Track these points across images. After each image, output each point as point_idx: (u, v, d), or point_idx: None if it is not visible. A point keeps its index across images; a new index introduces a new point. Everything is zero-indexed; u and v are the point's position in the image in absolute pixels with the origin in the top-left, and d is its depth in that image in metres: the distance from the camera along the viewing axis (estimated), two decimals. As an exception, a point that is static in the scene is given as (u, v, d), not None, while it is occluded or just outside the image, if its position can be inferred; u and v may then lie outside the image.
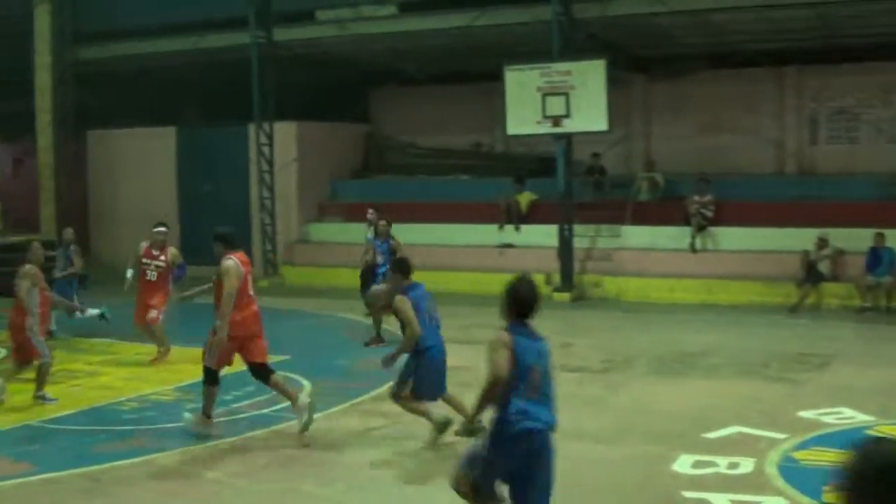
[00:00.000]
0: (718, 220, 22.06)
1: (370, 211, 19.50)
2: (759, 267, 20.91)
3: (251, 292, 11.45)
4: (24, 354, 12.82)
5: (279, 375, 11.51)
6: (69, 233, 19.04)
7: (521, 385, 7.00)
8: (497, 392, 7.00)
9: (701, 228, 21.83)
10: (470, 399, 12.61)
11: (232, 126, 26.53)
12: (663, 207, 23.10)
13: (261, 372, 11.33)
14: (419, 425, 11.47)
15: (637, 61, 25.16)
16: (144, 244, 15.99)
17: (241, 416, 12.10)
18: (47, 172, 27.28)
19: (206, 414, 11.20)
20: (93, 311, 17.02)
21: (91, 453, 10.66)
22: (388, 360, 10.92)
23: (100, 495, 9.23)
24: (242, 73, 24.61)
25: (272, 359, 14.98)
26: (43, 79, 27.17)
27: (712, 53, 24.22)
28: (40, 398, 12.78)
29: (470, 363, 14.81)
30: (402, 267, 11.12)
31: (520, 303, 7.38)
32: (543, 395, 7.14)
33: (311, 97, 26.92)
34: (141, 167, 27.81)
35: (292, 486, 9.42)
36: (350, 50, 25.37)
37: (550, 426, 7.14)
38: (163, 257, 16.03)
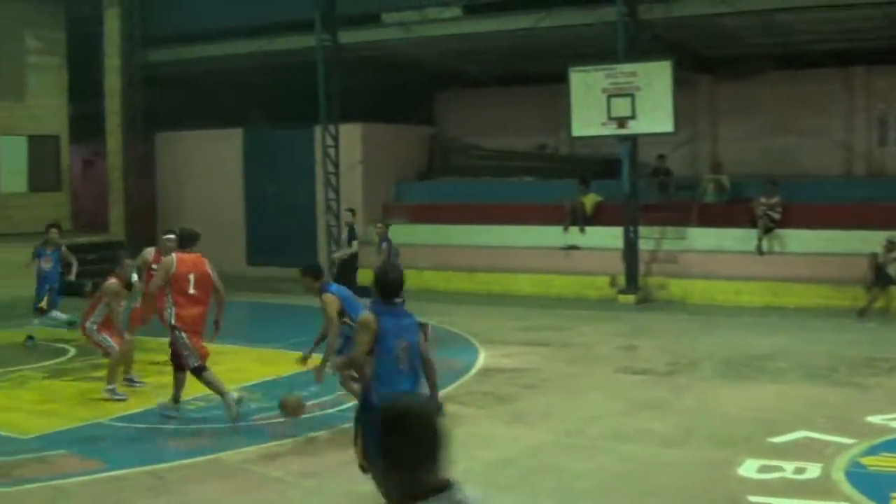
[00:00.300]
0: (785, 223, 21.83)
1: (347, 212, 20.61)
2: (826, 270, 20.65)
3: (191, 291, 11.82)
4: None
5: (210, 372, 11.99)
6: (54, 233, 18.19)
7: (387, 358, 7.81)
8: (359, 366, 7.97)
9: (768, 231, 21.62)
10: (530, 405, 12.65)
11: (298, 128, 26.69)
12: (730, 209, 22.91)
13: (195, 370, 11.92)
14: (482, 427, 11.50)
15: (703, 62, 24.97)
16: (152, 250, 15.77)
17: (305, 415, 12.16)
18: (116, 174, 27.65)
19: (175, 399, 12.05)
20: (61, 317, 17.28)
21: (157, 451, 10.79)
22: (318, 372, 10.65)
23: (165, 493, 9.33)
24: (308, 75, 24.75)
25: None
26: (112, 81, 27.55)
27: (779, 54, 23.98)
28: (108, 392, 13.04)
29: (537, 365, 14.88)
30: (314, 272, 11.12)
31: (387, 286, 8.11)
32: (409, 367, 7.90)
33: (376, 99, 27.01)
34: (208, 169, 28.07)
35: (355, 487, 9.43)
36: (415, 52, 25.43)
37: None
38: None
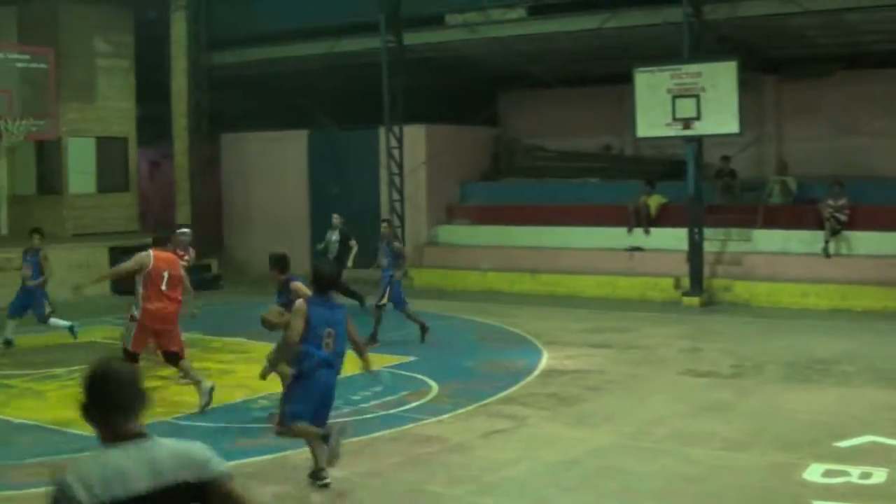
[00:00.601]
0: (852, 225, 21.58)
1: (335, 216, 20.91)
2: (894, 272, 20.39)
3: (163, 288, 12.73)
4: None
5: (187, 362, 13.08)
6: (37, 239, 17.95)
7: (316, 342, 9.11)
8: (292, 349, 9.19)
9: (835, 233, 21.38)
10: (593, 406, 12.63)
11: (362, 129, 26.82)
12: (796, 211, 22.70)
13: (171, 358, 13.04)
14: (545, 428, 11.51)
15: (768, 62, 24.77)
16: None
17: (370, 415, 12.24)
18: (183, 175, 27.95)
19: None
20: (61, 323, 17.48)
21: (223, 450, 10.79)
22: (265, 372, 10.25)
23: (232, 491, 9.40)
24: (373, 76, 24.89)
25: (401, 360, 15.26)
26: (179, 84, 27.86)
27: (845, 54, 23.75)
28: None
29: (601, 367, 14.85)
30: (281, 263, 11.49)
31: (319, 279, 9.36)
32: (334, 352, 9.28)
33: (440, 100, 27.09)
34: (273, 170, 28.29)
35: (419, 486, 9.50)
36: (479, 53, 25.46)
37: (336, 374, 9.43)
38: (187, 257, 16.65)
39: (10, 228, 27.19)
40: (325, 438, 9.31)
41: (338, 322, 9.31)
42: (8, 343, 17.30)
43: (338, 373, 9.45)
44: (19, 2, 26.40)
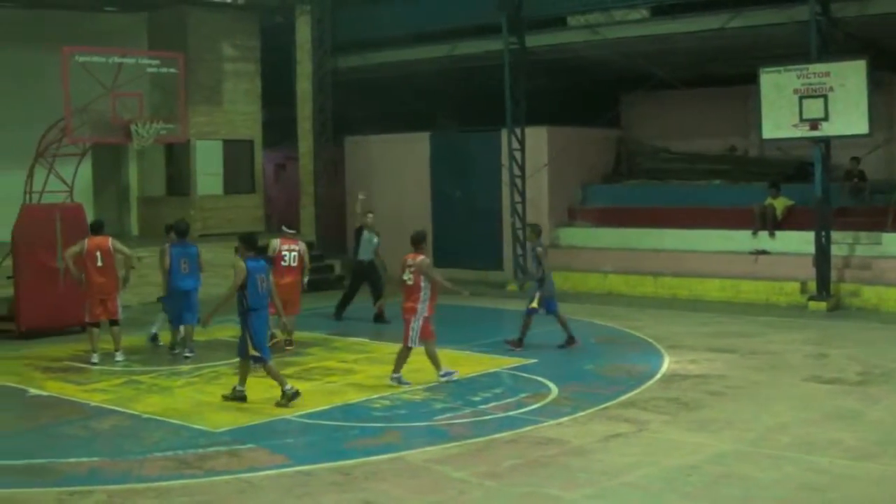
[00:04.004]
0: None
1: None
2: None
3: (99, 265, 16.10)
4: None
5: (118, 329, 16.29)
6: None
7: (253, 287, 12.91)
8: (234, 294, 12.99)
9: (969, 236, 20.78)
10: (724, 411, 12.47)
11: (484, 131, 26.87)
12: (929, 214, 22.10)
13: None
14: (665, 433, 11.39)
15: (900, 61, 24.18)
16: (279, 240, 17.56)
17: (489, 417, 12.27)
18: (307, 177, 28.31)
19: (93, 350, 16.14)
20: (153, 328, 17.85)
21: (343, 448, 11.02)
22: (206, 318, 13.72)
23: (350, 489, 9.52)
24: (494, 78, 24.92)
25: (521, 361, 15.27)
26: (304, 87, 28.24)
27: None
28: (395, 380, 13.97)
29: (723, 372, 14.65)
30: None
31: (252, 245, 13.35)
32: (264, 291, 13.12)
33: (562, 102, 27.00)
34: (396, 172, 28.49)
35: (537, 489, 9.48)
36: (601, 54, 25.30)
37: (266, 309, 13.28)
38: (296, 246, 17.50)
39: (139, 229, 27.89)
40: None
41: (264, 271, 13.28)
42: (154, 337, 17.75)
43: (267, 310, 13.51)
44: (150, 8, 27.05)
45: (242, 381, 13.21)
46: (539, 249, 16.92)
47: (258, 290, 12.97)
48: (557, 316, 16.86)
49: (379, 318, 19.69)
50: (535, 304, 16.54)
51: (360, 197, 21.36)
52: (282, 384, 12.92)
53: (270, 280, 13.39)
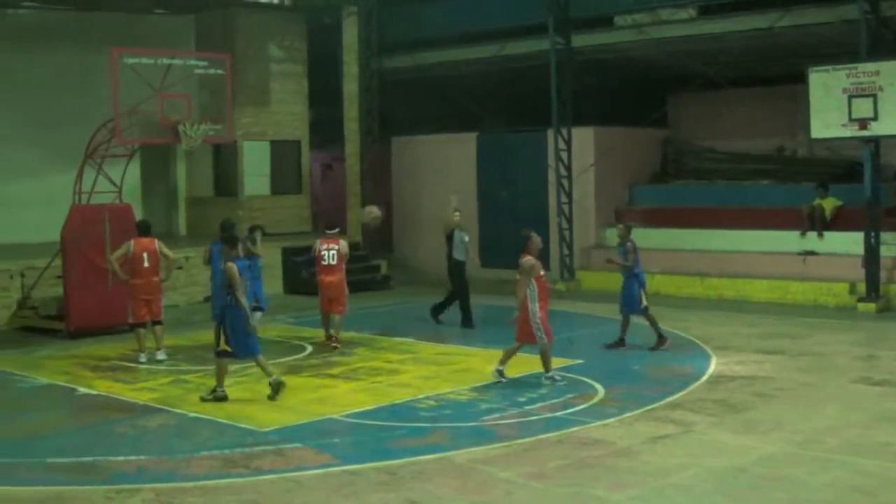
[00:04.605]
0: None
1: None
2: None
3: (145, 266, 16.41)
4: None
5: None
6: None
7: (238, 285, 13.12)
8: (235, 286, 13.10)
9: None
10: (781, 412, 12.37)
11: (530, 131, 26.83)
12: (981, 215, 21.84)
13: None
14: (712, 435, 11.33)
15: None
16: (318, 241, 17.87)
17: (535, 417, 12.26)
18: (354, 178, 28.40)
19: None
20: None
21: (389, 448, 11.05)
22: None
23: (396, 489, 9.54)
24: (541, 79, 24.87)
25: (568, 362, 15.23)
26: (350, 88, 28.33)
27: None
28: (549, 379, 14.04)
29: (771, 374, 14.55)
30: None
31: (234, 244, 13.60)
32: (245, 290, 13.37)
33: (608, 102, 26.92)
34: (442, 172, 28.50)
35: (583, 490, 9.46)
36: (648, 54, 25.19)
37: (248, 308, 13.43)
38: (335, 245, 17.63)
39: (187, 229, 28.10)
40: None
41: (247, 270, 13.68)
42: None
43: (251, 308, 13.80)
44: (198, 10, 27.25)
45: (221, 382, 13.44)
46: (629, 244, 16.91)
47: (243, 289, 13.32)
48: (626, 318, 16.89)
49: (467, 322, 19.39)
50: (645, 303, 16.61)
51: (453, 201, 21.00)
52: (219, 384, 13.28)
53: (245, 278, 13.58)
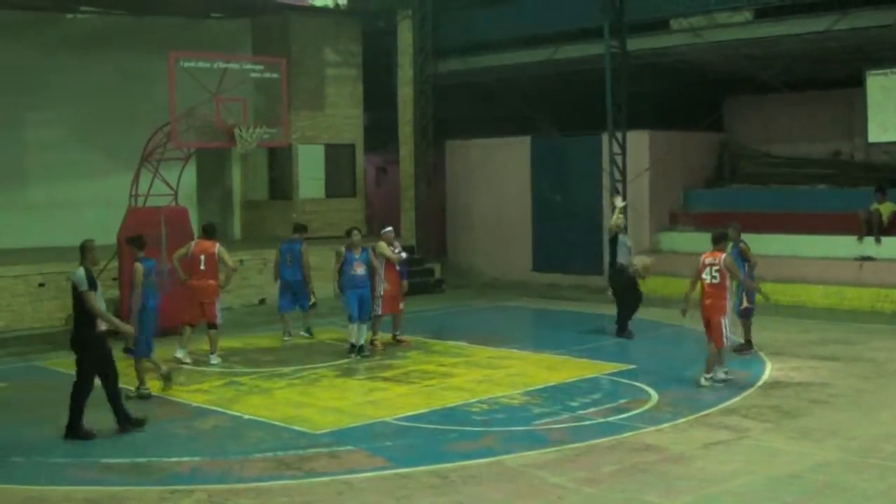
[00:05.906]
0: None
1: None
2: None
3: (201, 268, 16.48)
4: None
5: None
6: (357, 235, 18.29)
7: (150, 287, 13.80)
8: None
9: None
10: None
11: (585, 135, 26.76)
12: None
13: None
14: (767, 441, 11.25)
15: None
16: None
17: (587, 422, 12.22)
18: (408, 181, 28.48)
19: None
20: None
21: (441, 451, 11.06)
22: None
23: (448, 492, 9.56)
24: (595, 82, 24.80)
25: (621, 367, 15.20)
26: (405, 92, 28.44)
27: None
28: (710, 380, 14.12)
29: (826, 380, 14.42)
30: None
31: (141, 246, 14.05)
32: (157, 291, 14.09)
33: (663, 106, 26.79)
34: (496, 176, 28.51)
35: (636, 496, 9.42)
36: (704, 58, 25.05)
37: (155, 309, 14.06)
38: (397, 250, 17.68)
39: (242, 232, 28.28)
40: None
41: (154, 271, 14.32)
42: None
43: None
44: (254, 14, 27.44)
45: (143, 381, 14.04)
46: (742, 246, 16.78)
47: (154, 289, 14.12)
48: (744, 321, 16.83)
49: (623, 331, 18.54)
50: (747, 304, 16.57)
51: (619, 204, 19.88)
52: (141, 383, 13.93)
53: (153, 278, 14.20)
